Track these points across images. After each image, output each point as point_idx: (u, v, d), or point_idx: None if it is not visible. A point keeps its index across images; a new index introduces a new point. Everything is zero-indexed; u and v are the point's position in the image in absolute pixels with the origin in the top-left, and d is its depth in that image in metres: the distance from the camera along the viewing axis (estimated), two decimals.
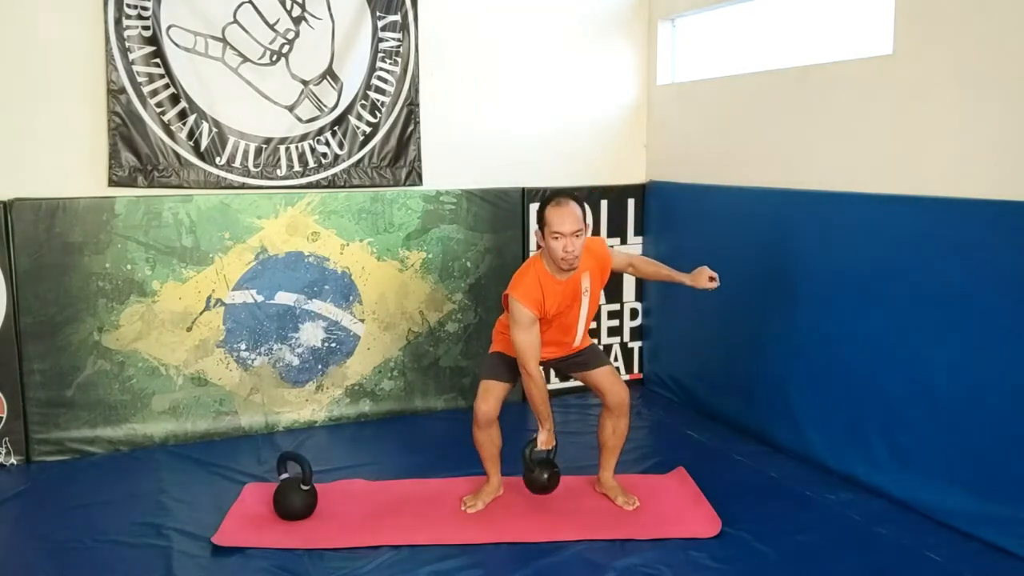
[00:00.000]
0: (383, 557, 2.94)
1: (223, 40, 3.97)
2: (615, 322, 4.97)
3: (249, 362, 4.20)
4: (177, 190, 3.99)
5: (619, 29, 4.81)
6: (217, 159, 4.04)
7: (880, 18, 3.45)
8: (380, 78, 4.29)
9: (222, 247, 4.08)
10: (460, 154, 4.52)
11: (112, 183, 3.89)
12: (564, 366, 3.43)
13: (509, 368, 3.26)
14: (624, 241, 4.91)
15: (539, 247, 3.16)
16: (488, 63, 4.55)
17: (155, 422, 4.05)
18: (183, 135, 3.97)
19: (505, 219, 4.60)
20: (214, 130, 4.02)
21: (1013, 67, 2.87)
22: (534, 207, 4.63)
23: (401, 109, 4.35)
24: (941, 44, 3.12)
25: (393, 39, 4.29)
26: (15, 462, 3.83)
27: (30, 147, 3.77)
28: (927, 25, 3.17)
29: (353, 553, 2.98)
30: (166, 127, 3.93)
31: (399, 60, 4.32)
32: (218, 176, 4.05)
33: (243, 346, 4.17)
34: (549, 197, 3.12)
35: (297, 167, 4.19)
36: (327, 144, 4.23)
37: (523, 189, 4.63)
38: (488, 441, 3.29)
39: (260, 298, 4.18)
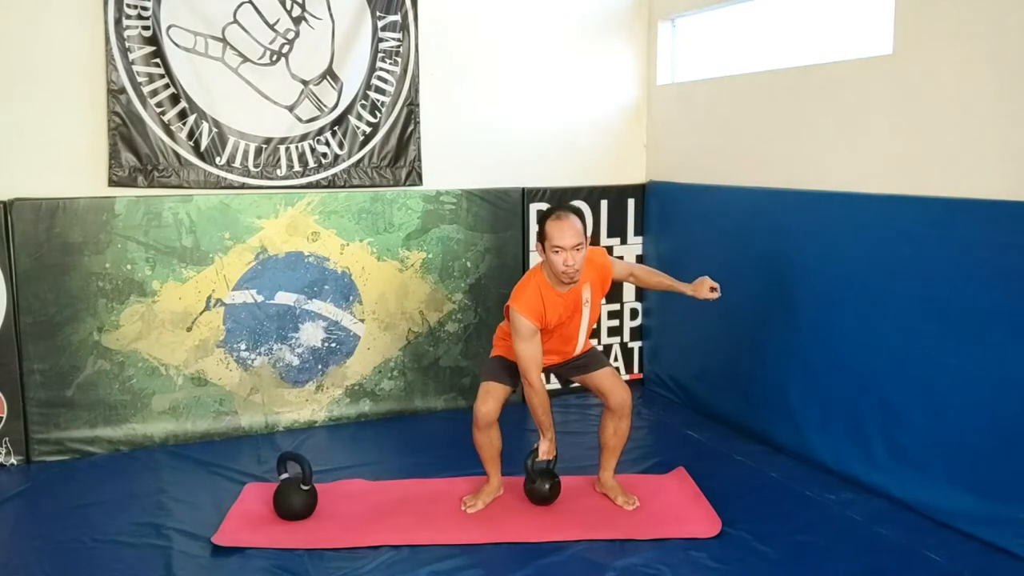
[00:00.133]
0: (383, 557, 2.94)
1: (223, 40, 3.97)
2: (615, 322, 4.97)
3: (249, 362, 4.20)
4: (177, 190, 3.99)
5: (619, 29, 4.82)
6: (217, 159, 4.04)
7: (880, 18, 3.45)
8: (380, 78, 4.29)
9: (222, 247, 4.08)
10: (460, 154, 4.52)
11: (112, 183, 3.89)
12: (564, 370, 3.43)
13: (510, 372, 3.27)
14: (624, 241, 4.91)
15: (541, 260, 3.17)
16: (488, 63, 4.55)
17: (155, 422, 4.05)
18: (183, 135, 3.97)
19: (505, 219, 4.60)
20: (214, 130, 4.02)
21: (1013, 67, 2.87)
22: (534, 207, 4.64)
23: (401, 109, 4.35)
24: (941, 44, 3.12)
25: (393, 39, 4.29)
26: (15, 462, 3.83)
27: (30, 147, 3.77)
28: (927, 25, 3.17)
29: (353, 553, 2.98)
30: (166, 127, 3.94)
31: (399, 60, 4.32)
32: (218, 176, 4.05)
33: (243, 346, 4.17)
34: (549, 211, 3.13)
35: (297, 167, 4.19)
36: (327, 144, 4.23)
37: (523, 189, 4.63)
38: (488, 442, 3.29)
39: (260, 298, 4.18)
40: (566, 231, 3.01)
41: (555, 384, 4.69)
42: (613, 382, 3.31)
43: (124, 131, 3.87)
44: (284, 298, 4.23)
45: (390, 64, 4.31)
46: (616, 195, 4.87)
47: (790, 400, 3.86)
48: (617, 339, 4.99)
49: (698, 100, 4.53)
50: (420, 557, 2.94)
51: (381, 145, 4.34)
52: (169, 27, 3.86)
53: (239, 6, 3.97)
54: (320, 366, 4.34)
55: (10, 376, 3.78)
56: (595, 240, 4.82)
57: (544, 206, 4.65)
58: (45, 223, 3.76)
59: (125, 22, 3.80)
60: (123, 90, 3.84)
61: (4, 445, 3.81)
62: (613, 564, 2.88)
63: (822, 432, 3.69)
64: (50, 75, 3.76)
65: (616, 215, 4.87)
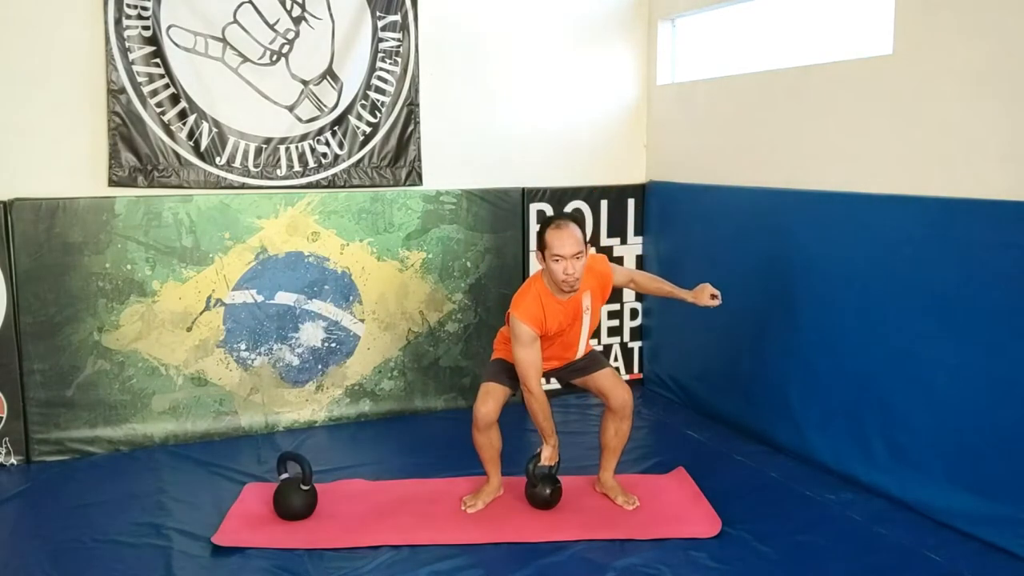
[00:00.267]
0: (383, 557, 2.94)
1: (223, 40, 3.97)
2: (615, 322, 4.97)
3: (249, 362, 4.20)
4: (177, 190, 3.99)
5: (619, 29, 4.82)
6: (217, 159, 4.04)
7: (880, 18, 3.45)
8: (380, 78, 4.29)
9: (222, 247, 4.08)
10: (460, 154, 4.52)
11: (112, 183, 3.89)
12: (564, 374, 3.43)
13: (510, 374, 3.27)
14: (624, 241, 4.91)
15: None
16: (488, 63, 4.55)
17: (155, 422, 4.05)
18: (183, 135, 3.97)
19: (505, 219, 4.60)
20: (214, 130, 4.02)
21: (1013, 67, 2.87)
22: (534, 207, 4.64)
23: (401, 109, 4.35)
24: (941, 44, 3.12)
25: (393, 39, 4.29)
26: (15, 462, 3.83)
27: (30, 147, 3.77)
28: (927, 25, 3.17)
29: (353, 553, 2.97)
30: (166, 127, 3.93)
31: (399, 60, 4.32)
32: (218, 176, 4.05)
33: (243, 346, 4.17)
34: (549, 219, 3.13)
35: (297, 167, 4.19)
36: (327, 144, 4.23)
37: (523, 189, 4.63)
38: (487, 443, 3.29)
39: (260, 298, 4.18)
40: (566, 240, 3.02)
41: (555, 384, 4.69)
42: (614, 383, 3.31)
43: (124, 131, 3.87)
44: (284, 298, 4.23)
45: (390, 64, 4.31)
46: (616, 195, 4.87)
47: (790, 400, 3.86)
48: (617, 339, 4.99)
49: (698, 100, 4.53)
50: (420, 557, 2.94)
51: (381, 145, 4.34)
52: (169, 27, 3.86)
53: (239, 6, 3.97)
54: (320, 366, 4.34)
55: (10, 376, 3.78)
56: (595, 240, 4.82)
57: (544, 206, 4.65)
58: (45, 223, 3.76)
59: (125, 22, 3.80)
60: (123, 90, 3.84)
61: (4, 445, 3.81)
62: (613, 564, 2.88)
63: (822, 432, 3.69)
64: (50, 75, 3.76)
65: (616, 215, 4.87)
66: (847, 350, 3.54)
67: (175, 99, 3.93)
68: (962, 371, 3.07)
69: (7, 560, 2.95)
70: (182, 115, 3.95)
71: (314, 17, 4.11)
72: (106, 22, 3.78)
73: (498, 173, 4.61)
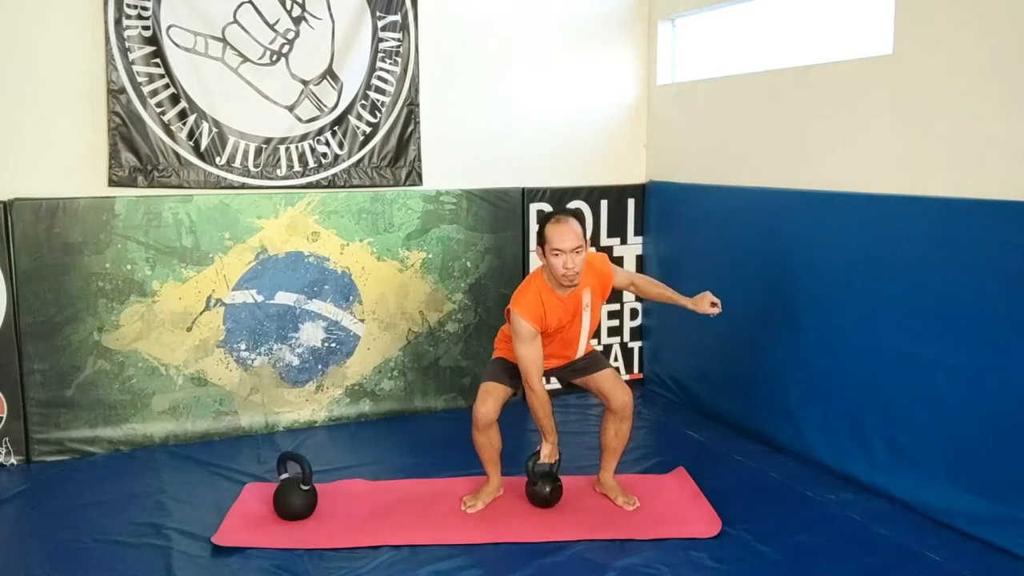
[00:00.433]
0: (383, 557, 2.95)
1: (223, 40, 3.97)
2: (615, 322, 4.97)
3: (249, 362, 4.20)
4: (177, 190, 3.99)
5: (619, 29, 4.82)
6: (217, 159, 4.04)
7: (880, 18, 3.45)
8: (380, 78, 4.29)
9: (222, 247, 4.08)
10: (460, 154, 4.52)
11: (112, 183, 3.89)
12: (565, 373, 3.43)
13: (510, 373, 3.27)
14: (624, 241, 4.91)
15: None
16: (488, 63, 4.55)
17: (155, 422, 4.05)
18: (183, 135, 3.97)
19: (505, 219, 4.60)
20: (214, 130, 4.02)
21: (1013, 67, 2.87)
22: (534, 207, 4.64)
23: (401, 109, 4.35)
24: (941, 44, 3.12)
25: (393, 39, 4.29)
26: (15, 462, 3.83)
27: (30, 147, 3.77)
28: (927, 25, 3.17)
29: (353, 553, 2.98)
30: (166, 127, 3.94)
31: (399, 60, 4.32)
32: (218, 176, 4.05)
33: (243, 346, 4.17)
34: (549, 214, 3.15)
35: (297, 167, 4.19)
36: (327, 144, 4.23)
37: (523, 189, 4.63)
38: (487, 443, 3.29)
39: (260, 298, 4.18)
40: (565, 234, 3.03)
41: (555, 384, 4.69)
42: (614, 383, 3.31)
43: (124, 131, 3.87)
44: (284, 298, 4.23)
45: (390, 64, 4.31)
46: (616, 195, 4.87)
47: (790, 400, 3.86)
48: (617, 339, 4.99)
49: (698, 100, 4.53)
50: (420, 557, 2.94)
51: (381, 145, 4.34)
52: (169, 27, 3.86)
53: (239, 6, 3.97)
54: (320, 366, 4.34)
55: (10, 376, 3.78)
56: (595, 240, 4.82)
57: (544, 206, 4.65)
58: (45, 223, 3.76)
59: (125, 22, 3.80)
60: (123, 90, 3.84)
61: (4, 445, 3.81)
62: (613, 564, 2.88)
63: (822, 432, 3.69)
64: (50, 75, 3.76)
65: (616, 215, 4.87)
66: (847, 350, 3.54)
67: (175, 99, 3.93)
68: (962, 371, 3.07)
69: (7, 560, 2.95)
70: (182, 115, 3.95)
71: (314, 17, 4.11)
72: (106, 22, 3.78)
73: (498, 173, 4.61)
